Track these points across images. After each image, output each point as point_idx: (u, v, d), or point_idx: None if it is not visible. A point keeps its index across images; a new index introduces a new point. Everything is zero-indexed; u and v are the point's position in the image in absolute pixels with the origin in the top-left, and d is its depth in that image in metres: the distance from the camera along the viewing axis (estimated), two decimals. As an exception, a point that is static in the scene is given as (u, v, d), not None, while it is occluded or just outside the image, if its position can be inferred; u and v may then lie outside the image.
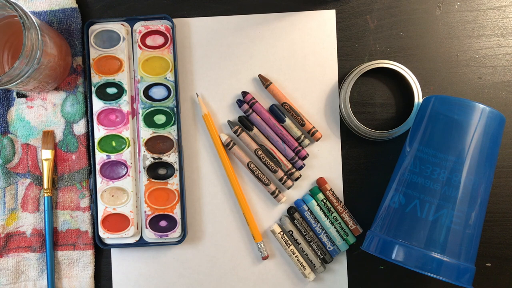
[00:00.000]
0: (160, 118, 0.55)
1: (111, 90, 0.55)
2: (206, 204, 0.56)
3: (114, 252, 0.57)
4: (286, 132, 0.56)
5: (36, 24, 0.46)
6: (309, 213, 0.56)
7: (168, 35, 0.55)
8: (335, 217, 0.56)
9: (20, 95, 0.56)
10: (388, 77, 0.56)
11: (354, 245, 0.56)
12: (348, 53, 0.57)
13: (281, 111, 0.56)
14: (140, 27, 0.55)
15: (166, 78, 0.55)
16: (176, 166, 0.55)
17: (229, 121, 0.56)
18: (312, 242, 0.56)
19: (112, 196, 0.55)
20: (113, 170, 0.55)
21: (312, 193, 0.56)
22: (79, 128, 0.56)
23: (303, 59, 0.56)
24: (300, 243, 0.56)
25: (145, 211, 0.55)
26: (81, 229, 0.56)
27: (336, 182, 0.56)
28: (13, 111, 0.56)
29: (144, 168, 0.55)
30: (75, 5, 0.56)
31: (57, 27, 0.56)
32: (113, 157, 0.55)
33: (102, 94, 0.55)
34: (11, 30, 0.52)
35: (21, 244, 0.55)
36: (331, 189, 0.56)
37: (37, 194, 0.56)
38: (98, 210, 0.55)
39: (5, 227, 0.55)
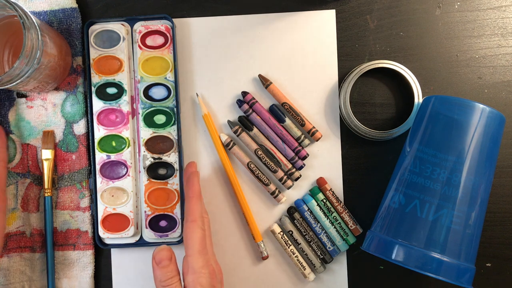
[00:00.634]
0: (160, 118, 0.55)
1: (111, 90, 0.55)
2: (206, 204, 0.56)
3: (114, 252, 0.57)
4: (286, 132, 0.56)
5: (36, 24, 0.46)
6: (309, 213, 0.56)
7: (168, 35, 0.55)
8: (335, 217, 0.56)
9: (20, 95, 0.56)
10: (388, 77, 0.56)
11: (354, 245, 0.56)
12: (348, 53, 0.57)
13: (281, 111, 0.56)
14: (140, 27, 0.55)
15: (166, 78, 0.55)
16: (176, 166, 0.55)
17: (229, 121, 0.56)
18: (312, 242, 0.56)
19: (112, 196, 0.55)
20: (113, 170, 0.55)
21: (312, 193, 0.56)
22: (79, 128, 0.56)
23: (303, 59, 0.56)
24: (300, 243, 0.56)
25: (145, 211, 0.55)
26: (81, 229, 0.56)
27: (336, 182, 0.56)
28: (14, 111, 0.56)
29: (144, 168, 0.55)
30: (75, 5, 0.56)
31: (57, 27, 0.56)
32: (113, 157, 0.55)
33: (102, 94, 0.55)
34: (11, 30, 0.52)
35: (21, 244, 0.55)
36: (331, 189, 0.56)
37: (37, 194, 0.56)
38: (98, 210, 0.55)
39: (5, 227, 0.55)
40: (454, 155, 0.46)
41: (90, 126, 0.55)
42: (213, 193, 0.57)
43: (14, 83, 0.47)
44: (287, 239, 0.55)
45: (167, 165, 0.56)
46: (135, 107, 0.56)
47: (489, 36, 0.56)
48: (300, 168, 0.56)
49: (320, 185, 0.56)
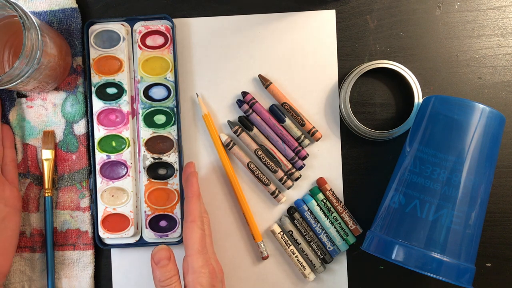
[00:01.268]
0: (160, 118, 0.55)
1: (111, 90, 0.55)
2: (206, 204, 0.56)
3: (114, 252, 0.57)
4: (286, 132, 0.56)
5: (36, 24, 0.46)
6: (309, 213, 0.56)
7: (168, 35, 0.55)
8: (335, 217, 0.56)
9: (20, 95, 0.56)
10: (388, 77, 0.56)
11: (354, 245, 0.56)
12: (348, 53, 0.57)
13: (281, 111, 0.56)
14: (140, 27, 0.55)
15: (166, 78, 0.55)
16: (176, 166, 0.55)
17: (229, 121, 0.56)
18: (312, 242, 0.56)
19: (112, 196, 0.55)
20: (113, 170, 0.55)
21: (312, 193, 0.56)
22: (79, 128, 0.56)
23: (303, 59, 0.56)
24: (300, 243, 0.56)
25: (145, 211, 0.55)
26: (81, 229, 0.56)
27: (336, 182, 0.56)
28: (14, 111, 0.56)
29: (144, 168, 0.55)
30: (75, 5, 0.56)
31: (57, 27, 0.56)
32: (113, 157, 0.55)
33: (102, 94, 0.55)
34: (11, 30, 0.52)
35: (21, 244, 0.55)
36: (331, 189, 0.56)
37: (37, 194, 0.56)
38: (98, 210, 0.55)
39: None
40: (454, 155, 0.46)
41: (90, 126, 0.55)
42: (213, 193, 0.57)
43: (14, 83, 0.47)
44: (287, 239, 0.55)
45: (167, 165, 0.56)
46: (135, 107, 0.56)
47: (489, 36, 0.56)
48: (300, 168, 0.56)
49: (320, 185, 0.56)
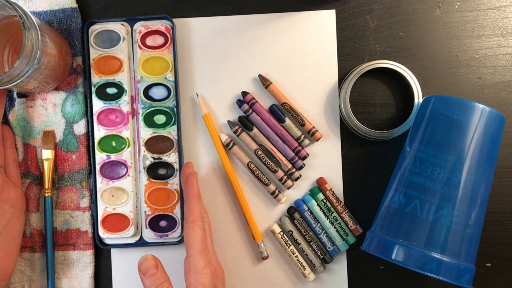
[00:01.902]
0: (160, 118, 0.55)
1: (111, 90, 0.55)
2: (206, 204, 0.56)
3: (114, 252, 0.57)
4: (286, 132, 0.56)
5: (36, 24, 0.46)
6: (309, 213, 0.56)
7: (168, 35, 0.55)
8: (335, 217, 0.56)
9: (21, 95, 0.56)
10: (388, 77, 0.56)
11: (354, 245, 0.56)
12: (348, 53, 0.57)
13: (281, 111, 0.56)
14: (140, 27, 0.55)
15: (166, 78, 0.55)
16: (176, 166, 0.55)
17: (229, 121, 0.56)
18: (312, 242, 0.56)
19: (112, 196, 0.55)
20: (113, 170, 0.55)
21: (312, 193, 0.56)
22: (79, 128, 0.56)
23: (303, 59, 0.56)
24: (300, 243, 0.56)
25: (145, 211, 0.55)
26: (81, 229, 0.56)
27: (336, 182, 0.56)
28: (14, 111, 0.56)
29: (144, 168, 0.55)
30: (75, 5, 0.56)
31: (57, 27, 0.56)
32: (113, 157, 0.55)
33: (102, 94, 0.55)
34: (11, 30, 0.52)
35: (21, 244, 0.55)
36: (331, 189, 0.56)
37: (37, 194, 0.56)
38: (98, 210, 0.55)
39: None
40: (454, 155, 0.46)
41: (90, 126, 0.55)
42: (213, 193, 0.57)
43: (14, 83, 0.47)
44: (287, 239, 0.55)
45: (167, 165, 0.56)
46: (135, 107, 0.56)
47: (489, 36, 0.56)
48: (300, 168, 0.56)
49: (320, 185, 0.56)
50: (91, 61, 0.55)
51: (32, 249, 0.56)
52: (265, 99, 0.57)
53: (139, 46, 0.55)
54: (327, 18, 0.56)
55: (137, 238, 0.56)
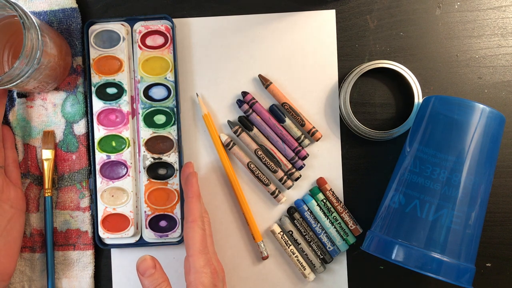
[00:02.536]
0: (160, 118, 0.55)
1: (111, 90, 0.55)
2: (206, 204, 0.56)
3: (114, 252, 0.57)
4: (286, 132, 0.56)
5: (36, 24, 0.46)
6: (309, 213, 0.56)
7: (168, 35, 0.55)
8: (335, 217, 0.56)
9: (21, 95, 0.56)
10: (388, 77, 0.56)
11: (354, 245, 0.56)
12: (348, 53, 0.57)
13: (281, 111, 0.56)
14: (140, 27, 0.55)
15: (166, 78, 0.55)
16: (176, 166, 0.55)
17: (229, 121, 0.56)
18: (312, 242, 0.56)
19: (112, 196, 0.55)
20: (113, 170, 0.55)
21: (312, 193, 0.56)
22: (79, 128, 0.56)
23: (303, 59, 0.56)
24: (300, 243, 0.56)
25: (145, 211, 0.55)
26: (81, 229, 0.56)
27: (336, 182, 0.56)
28: (14, 111, 0.56)
29: (144, 168, 0.55)
30: (75, 5, 0.56)
31: (57, 27, 0.56)
32: (113, 157, 0.55)
33: (102, 94, 0.55)
34: (11, 30, 0.52)
35: (21, 244, 0.55)
36: (331, 189, 0.56)
37: (37, 194, 0.56)
38: (98, 210, 0.55)
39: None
40: (454, 155, 0.46)
41: (90, 126, 0.55)
42: (213, 193, 0.57)
43: (14, 83, 0.47)
44: (287, 239, 0.55)
45: (167, 165, 0.56)
46: (135, 107, 0.56)
47: (489, 36, 0.56)
48: (300, 168, 0.56)
49: (320, 185, 0.56)
50: (91, 61, 0.55)
51: (32, 249, 0.56)
52: (265, 99, 0.57)
53: (139, 46, 0.55)
54: (327, 18, 0.56)
55: (137, 238, 0.56)
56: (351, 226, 0.56)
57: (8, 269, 0.51)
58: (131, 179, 0.55)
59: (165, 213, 0.55)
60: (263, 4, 0.57)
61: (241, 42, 0.57)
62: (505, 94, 0.56)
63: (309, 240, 0.56)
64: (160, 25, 0.55)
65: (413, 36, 0.56)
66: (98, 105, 0.55)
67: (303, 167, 0.56)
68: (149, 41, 0.55)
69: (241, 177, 0.57)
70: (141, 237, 0.56)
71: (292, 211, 0.56)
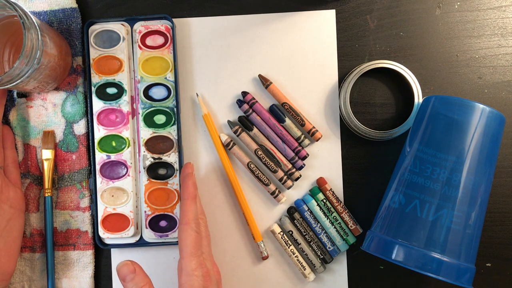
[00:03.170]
0: (160, 118, 0.55)
1: (111, 90, 0.55)
2: (206, 204, 0.56)
3: (114, 252, 0.57)
4: (286, 132, 0.56)
5: (36, 24, 0.46)
6: (309, 213, 0.56)
7: (168, 35, 0.55)
8: (335, 217, 0.56)
9: (21, 95, 0.56)
10: (388, 77, 0.56)
11: (354, 245, 0.56)
12: (348, 53, 0.57)
13: (281, 111, 0.56)
14: (140, 27, 0.55)
15: (166, 78, 0.55)
16: (176, 166, 0.55)
17: (229, 121, 0.56)
18: (312, 242, 0.56)
19: (112, 196, 0.55)
20: (113, 170, 0.55)
21: (312, 193, 0.56)
22: (79, 128, 0.56)
23: (303, 59, 0.56)
24: (300, 243, 0.56)
25: (145, 211, 0.55)
26: (81, 229, 0.56)
27: (336, 182, 0.56)
28: (14, 111, 0.56)
29: (144, 168, 0.55)
30: (75, 5, 0.56)
31: (57, 27, 0.56)
32: (113, 157, 0.55)
33: (102, 94, 0.55)
34: (11, 30, 0.52)
35: (21, 244, 0.55)
36: (331, 189, 0.56)
37: (37, 194, 0.56)
38: (98, 210, 0.55)
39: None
40: (454, 155, 0.46)
41: (90, 126, 0.55)
42: (213, 193, 0.57)
43: (14, 83, 0.47)
44: (287, 239, 0.55)
45: (167, 165, 0.56)
46: (135, 107, 0.56)
47: (489, 36, 0.56)
48: (300, 168, 0.56)
49: (320, 185, 0.56)
50: (91, 61, 0.55)
51: (32, 249, 0.56)
52: (265, 99, 0.57)
53: (139, 46, 0.55)
54: (327, 18, 0.56)
55: (137, 238, 0.56)
56: (351, 226, 0.56)
57: (8, 268, 0.51)
58: (131, 179, 0.55)
59: (165, 213, 0.55)
60: (263, 4, 0.57)
61: (241, 42, 0.57)
62: (505, 94, 0.56)
63: (309, 240, 0.56)
64: (160, 25, 0.55)
65: (413, 36, 0.56)
66: (98, 105, 0.55)
67: (303, 167, 0.56)
68: (149, 41, 0.55)
69: (241, 177, 0.57)
70: (141, 237, 0.56)
71: (292, 211, 0.56)
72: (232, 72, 0.57)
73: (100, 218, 0.55)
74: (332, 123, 0.56)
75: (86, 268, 0.56)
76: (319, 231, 0.55)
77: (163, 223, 0.55)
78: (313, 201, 0.55)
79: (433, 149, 0.47)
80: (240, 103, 0.56)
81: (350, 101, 0.56)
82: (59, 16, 0.55)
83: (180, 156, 0.55)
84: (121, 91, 0.55)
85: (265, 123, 0.56)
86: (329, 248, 0.55)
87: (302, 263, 0.55)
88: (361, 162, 0.56)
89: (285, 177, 0.55)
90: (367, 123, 0.56)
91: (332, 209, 0.56)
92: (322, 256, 0.55)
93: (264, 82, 0.56)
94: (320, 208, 0.56)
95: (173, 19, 0.56)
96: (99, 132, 0.55)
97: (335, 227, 0.56)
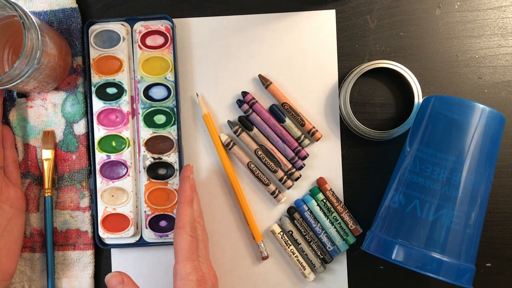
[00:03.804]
0: (160, 118, 0.55)
1: (111, 90, 0.55)
2: (206, 204, 0.56)
3: (114, 252, 0.57)
4: (286, 132, 0.56)
5: (36, 24, 0.46)
6: (309, 213, 0.56)
7: (168, 35, 0.55)
8: (335, 217, 0.56)
9: (21, 95, 0.56)
10: (388, 77, 0.56)
11: (354, 245, 0.56)
12: (348, 53, 0.57)
13: (281, 111, 0.56)
14: (140, 27, 0.55)
15: (166, 78, 0.55)
16: (176, 166, 0.55)
17: (229, 121, 0.56)
18: (312, 242, 0.56)
19: (112, 196, 0.55)
20: (113, 170, 0.55)
21: (312, 193, 0.56)
22: (79, 128, 0.56)
23: (303, 59, 0.56)
24: (300, 243, 0.56)
25: (145, 211, 0.55)
26: (81, 229, 0.56)
27: (336, 182, 0.56)
28: (14, 111, 0.56)
29: (144, 168, 0.55)
30: (75, 5, 0.56)
31: (57, 27, 0.56)
32: (113, 157, 0.55)
33: (102, 94, 0.55)
34: (11, 30, 0.52)
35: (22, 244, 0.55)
36: (331, 189, 0.56)
37: (37, 194, 0.56)
38: (98, 210, 0.55)
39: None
40: (454, 155, 0.46)
41: (90, 126, 0.55)
42: (213, 193, 0.57)
43: (14, 83, 0.47)
44: (287, 239, 0.55)
45: (167, 165, 0.56)
46: (135, 107, 0.56)
47: (489, 36, 0.56)
48: (300, 168, 0.56)
49: (320, 185, 0.56)
50: (91, 61, 0.55)
51: (32, 249, 0.56)
52: (265, 99, 0.57)
53: (139, 46, 0.55)
54: (327, 18, 0.56)
55: (137, 238, 0.56)
56: (351, 226, 0.56)
57: (9, 269, 0.51)
58: (131, 179, 0.55)
59: (165, 213, 0.55)
60: (263, 4, 0.57)
61: (241, 42, 0.57)
62: (505, 94, 0.56)
63: (309, 240, 0.56)
64: (160, 25, 0.55)
65: (413, 36, 0.56)
66: (98, 105, 0.55)
67: (303, 167, 0.56)
68: (149, 41, 0.55)
69: (241, 177, 0.57)
70: (141, 237, 0.56)
71: (292, 211, 0.56)
72: (232, 72, 0.57)
73: (100, 218, 0.55)
74: (332, 123, 0.56)
75: (86, 268, 0.56)
76: (319, 231, 0.55)
77: (163, 223, 0.55)
78: (313, 201, 0.55)
79: (433, 149, 0.47)
80: (240, 103, 0.56)
81: (350, 101, 0.56)
82: (59, 16, 0.55)
83: (180, 156, 0.55)
84: (121, 91, 0.55)
85: (265, 123, 0.56)
86: (329, 248, 0.55)
87: (302, 263, 0.55)
88: (361, 162, 0.56)
89: (285, 177, 0.55)
90: (367, 123, 0.56)
91: (332, 209, 0.56)
92: (322, 256, 0.55)
93: (264, 82, 0.56)
94: (320, 208, 0.56)
95: (173, 19, 0.56)
96: (99, 132, 0.55)
97: (335, 227, 0.56)
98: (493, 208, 0.56)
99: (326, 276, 0.56)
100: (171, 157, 0.55)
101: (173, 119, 0.55)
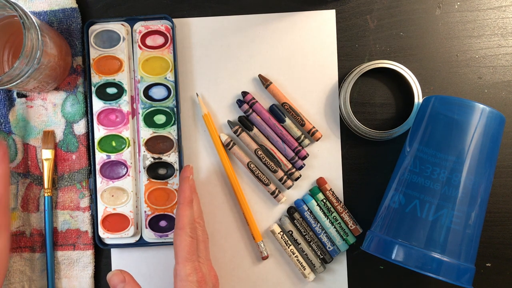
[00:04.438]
0: (160, 118, 0.55)
1: (111, 90, 0.55)
2: (206, 204, 0.56)
3: (114, 252, 0.57)
4: (286, 132, 0.56)
5: (36, 24, 0.46)
6: (309, 213, 0.56)
7: (168, 35, 0.55)
8: (335, 217, 0.56)
9: (20, 95, 0.56)
10: (388, 77, 0.56)
11: (354, 245, 0.56)
12: (348, 53, 0.57)
13: (281, 111, 0.56)
14: (140, 27, 0.55)
15: (166, 78, 0.55)
16: (176, 166, 0.55)
17: (229, 121, 0.56)
18: (312, 242, 0.56)
19: (112, 196, 0.55)
20: (113, 170, 0.55)
21: (312, 193, 0.56)
22: (79, 128, 0.56)
23: (303, 59, 0.56)
24: (300, 243, 0.55)
25: (145, 211, 0.55)
26: (81, 229, 0.56)
27: (336, 182, 0.56)
28: (14, 111, 0.56)
29: (144, 168, 0.55)
30: (75, 5, 0.56)
31: (57, 27, 0.56)
32: (113, 157, 0.55)
33: (102, 94, 0.55)
34: (11, 30, 0.52)
35: (21, 244, 0.55)
36: (331, 189, 0.56)
37: (37, 194, 0.56)
38: (98, 210, 0.55)
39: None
40: (454, 155, 0.46)
41: (90, 126, 0.55)
42: (213, 193, 0.57)
43: (14, 83, 0.47)
44: (287, 239, 0.55)
45: (167, 165, 0.56)
46: (135, 107, 0.56)
47: (489, 36, 0.56)
48: (300, 168, 0.56)
49: (320, 185, 0.56)
50: (91, 61, 0.55)
51: (32, 249, 0.56)
52: (265, 99, 0.57)
53: (139, 46, 0.55)
54: (327, 18, 0.56)
55: (137, 238, 0.56)
56: (351, 226, 0.56)
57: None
58: (131, 179, 0.55)
59: (165, 213, 0.55)
60: (263, 4, 0.57)
61: (241, 42, 0.57)
62: (505, 94, 0.56)
63: (309, 240, 0.56)
64: (160, 25, 0.55)
65: (413, 36, 0.56)
66: (98, 105, 0.55)
67: (303, 167, 0.56)
68: (149, 41, 0.55)
69: (241, 177, 0.57)
70: (141, 237, 0.56)
71: (292, 211, 0.56)
72: (232, 72, 0.57)
73: (100, 218, 0.55)
74: (332, 123, 0.56)
75: (86, 268, 0.56)
76: (319, 231, 0.55)
77: (163, 223, 0.55)
78: (313, 201, 0.55)
79: (433, 149, 0.47)
80: (240, 103, 0.56)
81: (350, 101, 0.56)
82: (59, 16, 0.55)
83: (180, 156, 0.55)
84: (121, 91, 0.55)
85: (265, 123, 0.56)
86: (329, 248, 0.55)
87: (302, 263, 0.55)
88: (361, 162, 0.56)
89: (285, 177, 0.55)
90: (367, 123, 0.56)
91: (332, 209, 0.56)
92: (322, 256, 0.55)
93: (264, 82, 0.56)
94: (320, 208, 0.56)
95: (173, 19, 0.56)
96: (99, 132, 0.55)
97: (335, 227, 0.56)
98: (493, 208, 0.56)
99: (326, 276, 0.56)
100: (171, 157, 0.55)
101: (173, 119, 0.55)
